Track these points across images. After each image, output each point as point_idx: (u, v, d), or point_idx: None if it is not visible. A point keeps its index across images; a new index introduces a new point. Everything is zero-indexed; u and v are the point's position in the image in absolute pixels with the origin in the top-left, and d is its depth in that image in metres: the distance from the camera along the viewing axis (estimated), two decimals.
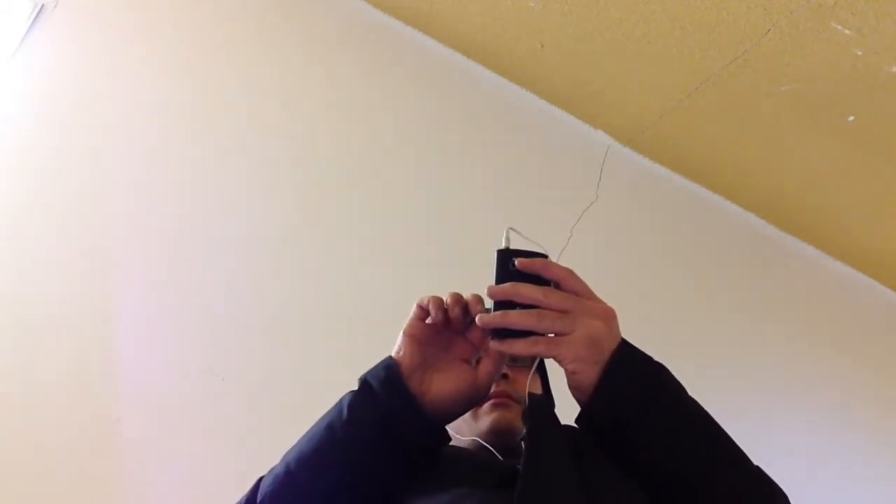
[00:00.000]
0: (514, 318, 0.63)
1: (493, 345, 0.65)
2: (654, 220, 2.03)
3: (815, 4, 1.44)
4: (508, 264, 0.66)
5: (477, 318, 0.66)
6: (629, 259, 1.95)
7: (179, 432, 1.44)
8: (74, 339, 1.46)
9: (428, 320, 0.71)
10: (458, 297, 0.70)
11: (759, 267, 2.09)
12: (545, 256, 0.67)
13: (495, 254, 0.67)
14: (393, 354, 0.70)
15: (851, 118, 1.69)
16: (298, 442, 0.68)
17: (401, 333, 0.71)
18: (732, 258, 2.07)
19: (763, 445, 1.87)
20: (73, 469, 1.37)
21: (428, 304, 0.70)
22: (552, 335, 0.64)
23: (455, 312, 0.69)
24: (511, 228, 0.68)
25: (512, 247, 0.68)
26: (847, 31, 1.47)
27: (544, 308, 0.64)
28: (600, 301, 0.67)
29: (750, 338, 1.97)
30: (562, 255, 1.80)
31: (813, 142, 1.81)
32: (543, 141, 2.00)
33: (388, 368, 0.68)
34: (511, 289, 0.65)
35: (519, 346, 0.64)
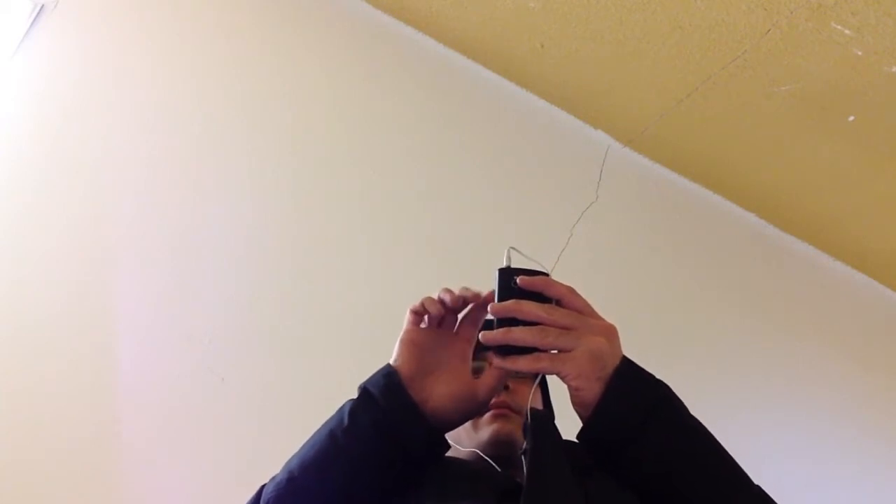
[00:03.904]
0: (518, 335, 0.64)
1: (497, 362, 0.66)
2: (654, 221, 2.03)
3: (815, 4, 1.44)
4: (510, 282, 0.67)
5: (481, 336, 0.66)
6: (629, 259, 1.95)
7: (179, 432, 1.44)
8: (74, 339, 1.46)
9: (423, 324, 0.72)
10: (445, 290, 0.71)
11: (758, 267, 2.09)
12: (546, 275, 0.68)
13: (496, 272, 0.68)
14: (391, 362, 0.70)
15: (851, 118, 1.69)
16: (300, 449, 0.69)
17: (397, 342, 0.71)
18: (732, 258, 2.07)
19: (761, 445, 1.87)
20: (72, 469, 1.37)
21: (421, 307, 0.71)
22: (555, 352, 0.64)
23: (454, 298, 0.70)
24: (512, 248, 0.69)
25: (513, 265, 0.69)
26: (847, 31, 1.47)
27: (547, 325, 0.64)
28: (601, 318, 0.68)
29: (749, 337, 1.97)
30: (562, 255, 1.80)
31: (813, 142, 1.81)
32: (543, 141, 2.00)
33: (388, 376, 0.68)
34: (514, 306, 0.65)
35: (522, 363, 0.64)
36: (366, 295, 1.66)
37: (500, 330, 0.65)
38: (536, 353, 0.64)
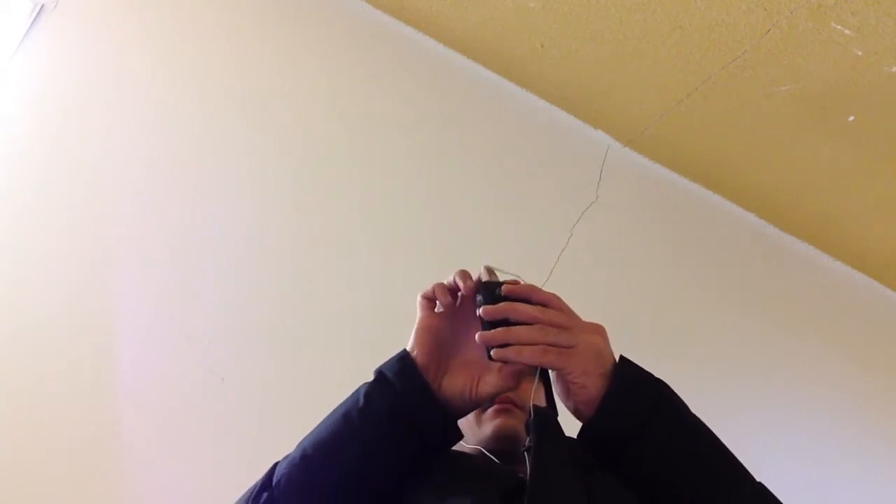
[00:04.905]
0: (518, 332, 0.64)
1: (497, 353, 0.64)
2: (654, 221, 2.03)
3: (815, 4, 1.44)
4: (494, 292, 0.67)
5: (477, 336, 0.66)
6: (629, 259, 1.95)
7: (179, 432, 1.44)
8: (74, 339, 1.46)
9: (437, 309, 0.72)
10: (461, 272, 0.71)
11: (758, 267, 2.09)
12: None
13: (479, 286, 0.68)
14: (407, 348, 0.70)
15: (851, 118, 1.69)
16: (315, 429, 0.69)
17: (413, 330, 0.71)
18: (732, 258, 2.07)
19: (761, 445, 1.87)
20: (72, 469, 1.37)
21: (431, 293, 0.71)
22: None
23: (466, 284, 0.69)
24: (487, 266, 0.70)
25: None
26: (847, 31, 1.47)
27: (544, 324, 0.64)
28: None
29: (749, 337, 1.97)
30: (562, 255, 1.80)
31: (813, 142, 1.81)
32: (543, 141, 2.00)
33: (402, 360, 0.69)
34: (507, 307, 0.65)
35: (528, 353, 0.64)
36: (366, 295, 1.66)
37: (500, 329, 0.65)
38: (543, 346, 0.64)
